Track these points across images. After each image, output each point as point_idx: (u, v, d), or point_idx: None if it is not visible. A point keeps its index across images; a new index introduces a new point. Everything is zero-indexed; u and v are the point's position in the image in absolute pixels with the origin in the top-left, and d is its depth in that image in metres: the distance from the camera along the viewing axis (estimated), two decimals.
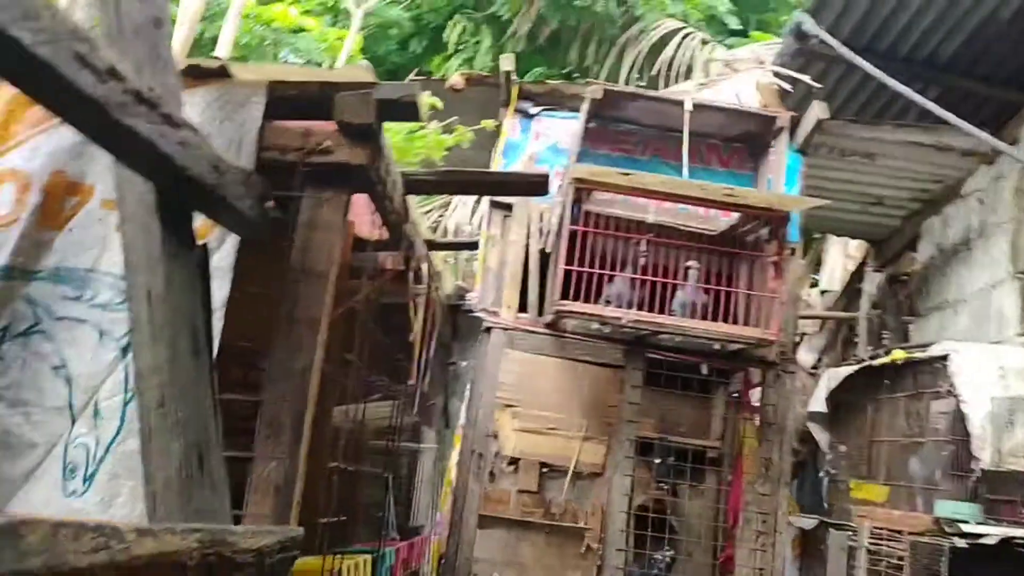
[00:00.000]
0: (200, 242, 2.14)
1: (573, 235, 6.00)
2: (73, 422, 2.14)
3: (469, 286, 6.50)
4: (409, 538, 3.97)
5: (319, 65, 9.39)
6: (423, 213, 9.43)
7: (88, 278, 2.26)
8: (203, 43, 9.32)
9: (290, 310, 2.33)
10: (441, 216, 9.26)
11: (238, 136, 2.40)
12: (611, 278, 6.11)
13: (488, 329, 6.51)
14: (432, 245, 3.82)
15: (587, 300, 5.97)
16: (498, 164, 7.00)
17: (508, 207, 6.80)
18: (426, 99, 6.20)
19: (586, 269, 5.92)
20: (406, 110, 2.49)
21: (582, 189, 6.00)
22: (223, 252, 2.32)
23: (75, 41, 1.58)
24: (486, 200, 7.01)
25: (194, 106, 2.43)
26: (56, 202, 2.33)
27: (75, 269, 2.27)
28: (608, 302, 6.06)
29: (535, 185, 3.10)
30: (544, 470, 6.41)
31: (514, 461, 6.38)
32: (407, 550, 3.78)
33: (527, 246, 6.70)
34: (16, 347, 2.18)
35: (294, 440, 2.22)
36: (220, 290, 2.26)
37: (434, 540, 6.17)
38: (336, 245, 2.42)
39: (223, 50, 5.75)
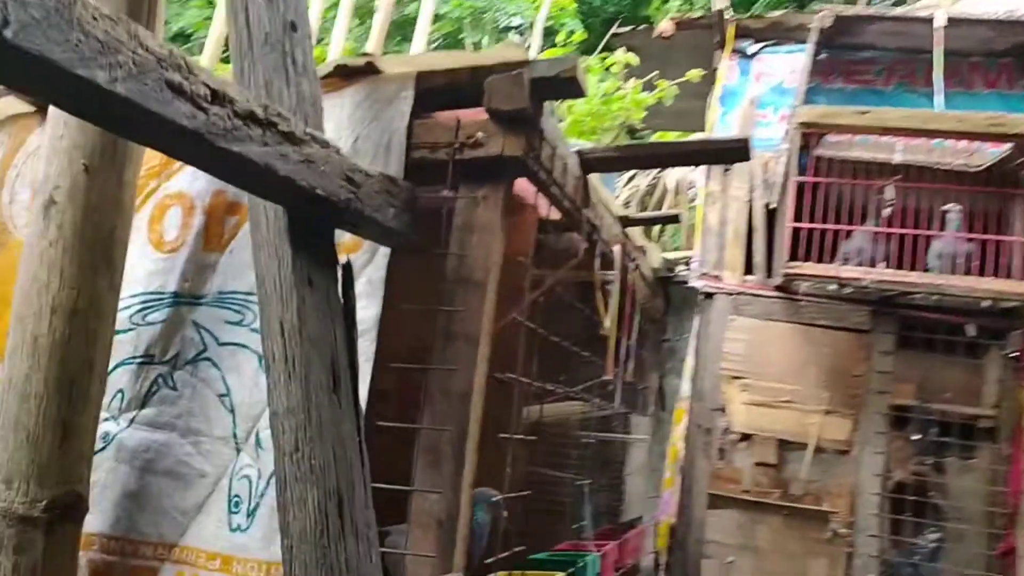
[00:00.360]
0: (344, 259, 2.01)
1: (801, 187, 5.38)
2: (238, 452, 2.12)
3: (691, 247, 6.08)
4: (622, 534, 3.75)
5: (531, 27, 9.13)
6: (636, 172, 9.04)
7: (248, 301, 2.22)
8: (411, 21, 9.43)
9: (446, 325, 2.15)
10: (659, 175, 8.80)
11: (386, 137, 2.25)
12: (849, 232, 5.42)
13: (710, 295, 6.06)
14: (628, 222, 3.50)
15: (821, 259, 5.34)
16: (715, 113, 6.46)
17: None
18: (622, 57, 5.78)
19: (818, 225, 5.30)
20: (565, 87, 2.20)
21: (810, 134, 5.34)
22: (375, 265, 2.19)
23: (166, 70, 1.46)
24: None
25: (343, 108, 2.30)
26: (217, 224, 2.32)
27: (235, 292, 2.24)
28: (847, 260, 5.39)
29: (732, 152, 2.69)
30: (780, 447, 5.91)
31: (745, 437, 5.93)
32: (617, 551, 3.56)
33: (751, 201, 6.14)
34: (186, 374, 2.20)
35: (456, 469, 2.06)
36: (372, 307, 2.13)
37: (661, 520, 5.93)
38: (495, 249, 2.20)
39: (422, 29, 5.70)
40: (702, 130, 6.56)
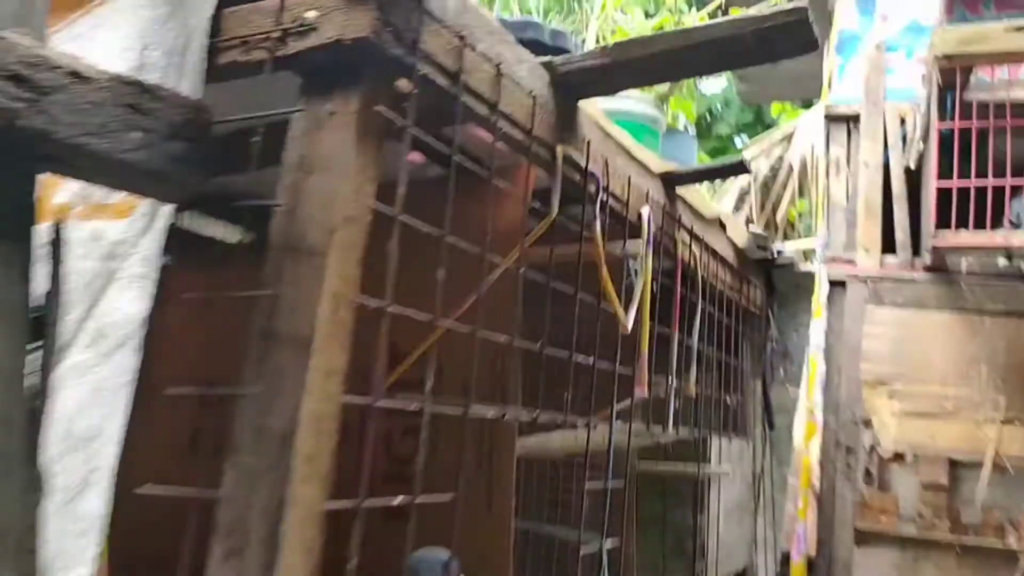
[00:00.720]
0: (52, 225, 1.19)
1: (947, 137, 4.12)
2: None
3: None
4: None
5: None
6: (759, 151, 7.83)
7: None
8: None
9: (265, 323, 1.28)
10: (784, 154, 7.54)
11: (182, 39, 1.43)
12: (1016, 189, 4.09)
13: (840, 283, 4.85)
14: (672, 179, 2.50)
15: (981, 225, 4.04)
16: (832, 65, 5.26)
17: (854, 118, 5.03)
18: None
19: (974, 182, 4.01)
20: None
21: (953, 69, 4.07)
22: (153, 235, 1.36)
23: None
24: (822, 114, 5.30)
25: (132, 10, 1.51)
26: None
27: None
28: (1016, 224, 4.07)
29: (790, 27, 1.66)
30: (948, 467, 4.58)
31: (899, 456, 4.64)
32: None
33: (886, 165, 4.88)
34: None
35: (266, 562, 1.18)
36: (138, 300, 1.30)
37: (797, 560, 4.73)
38: (347, 195, 1.31)
39: None
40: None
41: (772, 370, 3.63)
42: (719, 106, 11.33)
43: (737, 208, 7.57)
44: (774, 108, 9.61)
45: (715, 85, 12.83)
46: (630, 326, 2.07)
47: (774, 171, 7.55)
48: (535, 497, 2.43)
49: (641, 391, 2.18)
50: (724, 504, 2.98)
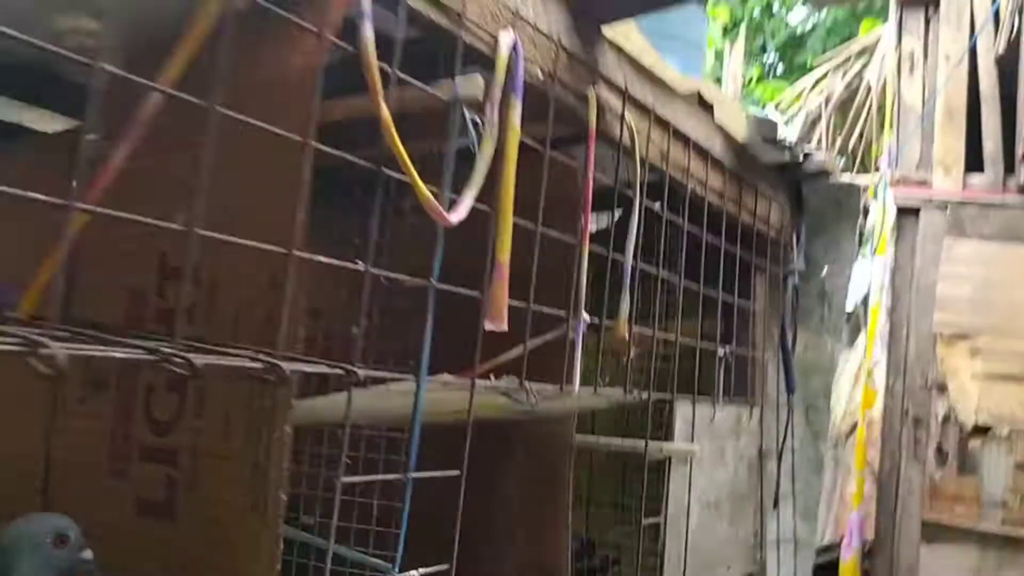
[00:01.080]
0: None
1: None
2: None
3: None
4: None
5: None
6: (834, 66, 6.75)
7: None
8: None
9: None
10: (863, 69, 6.42)
11: None
12: None
13: (912, 210, 3.86)
14: (588, 8, 1.66)
15: None
16: None
17: (933, 1, 3.97)
18: None
19: None
20: None
21: None
22: None
23: None
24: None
25: None
26: None
27: None
28: None
29: None
30: None
31: (982, 430, 3.67)
32: None
33: (973, 60, 3.82)
34: None
35: None
36: None
37: (847, 559, 3.84)
38: None
39: None
40: None
41: (795, 314, 2.74)
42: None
43: (806, 138, 6.50)
44: (863, 28, 8.33)
45: (799, 13, 11.64)
46: (456, 218, 1.27)
47: (851, 91, 6.44)
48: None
49: (495, 323, 1.39)
50: (701, 494, 2.15)
